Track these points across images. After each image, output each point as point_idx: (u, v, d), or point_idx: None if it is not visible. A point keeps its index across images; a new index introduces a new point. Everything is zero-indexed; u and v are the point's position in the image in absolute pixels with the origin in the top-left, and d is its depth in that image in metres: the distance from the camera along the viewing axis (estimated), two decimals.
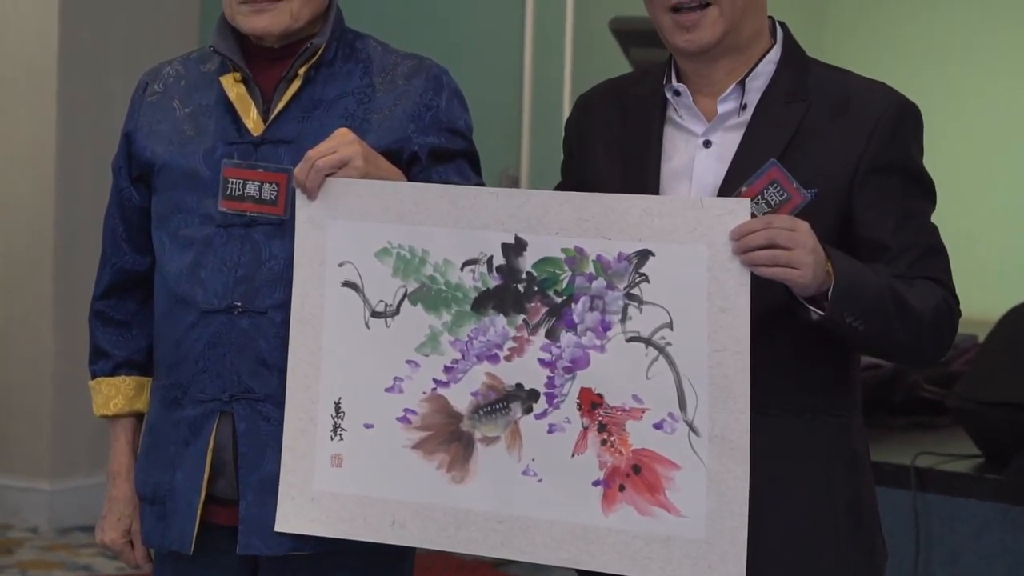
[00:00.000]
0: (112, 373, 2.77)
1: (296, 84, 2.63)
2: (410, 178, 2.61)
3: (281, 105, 2.63)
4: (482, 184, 2.64)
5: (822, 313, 2.32)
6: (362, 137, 2.57)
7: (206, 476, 2.61)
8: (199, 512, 2.61)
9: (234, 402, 2.60)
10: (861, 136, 2.43)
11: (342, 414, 2.52)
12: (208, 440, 2.61)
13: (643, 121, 2.52)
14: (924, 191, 2.48)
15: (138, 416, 2.78)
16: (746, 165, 2.41)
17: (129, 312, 2.77)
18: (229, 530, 2.62)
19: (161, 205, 2.68)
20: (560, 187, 2.64)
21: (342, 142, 2.51)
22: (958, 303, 2.47)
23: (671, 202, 2.39)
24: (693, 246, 2.33)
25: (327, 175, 2.50)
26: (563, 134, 2.67)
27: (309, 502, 2.53)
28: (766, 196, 2.35)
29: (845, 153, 2.42)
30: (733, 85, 2.47)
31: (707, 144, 2.47)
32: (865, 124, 2.43)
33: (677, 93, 2.50)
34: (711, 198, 2.37)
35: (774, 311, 2.37)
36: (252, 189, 2.58)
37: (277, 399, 2.58)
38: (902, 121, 2.45)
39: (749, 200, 2.32)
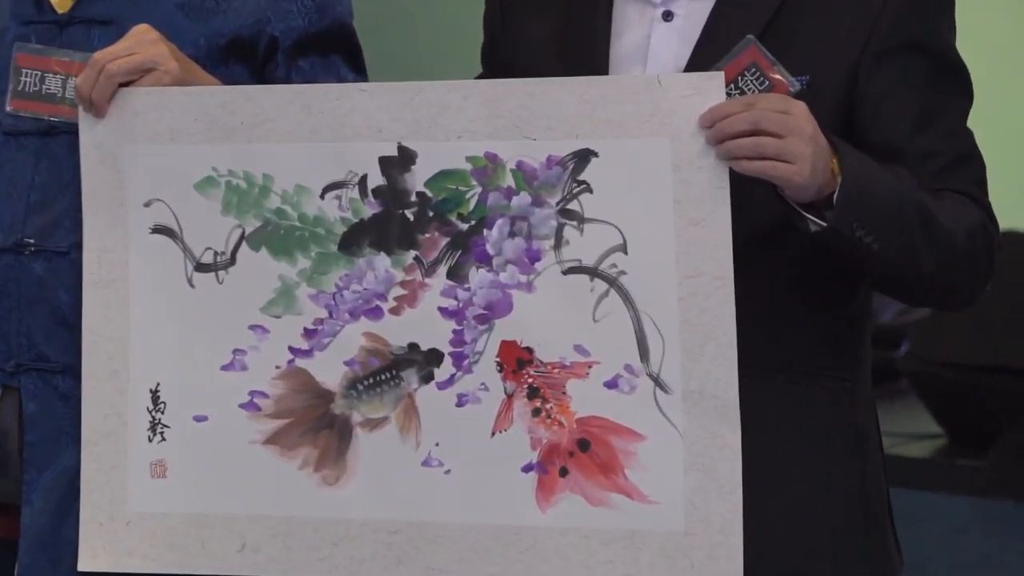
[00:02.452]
0: None
1: None
2: (264, 79, 2.34)
3: None
4: None
5: (823, 224, 2.03)
6: (206, 19, 2.34)
7: None
8: None
9: (21, 374, 2.31)
10: (870, 6, 2.14)
11: (162, 405, 2.25)
12: None
13: None
14: (954, 80, 2.19)
15: None
16: (716, 43, 2.13)
17: None
18: (9, 544, 2.33)
19: None
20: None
21: (142, 41, 2.22)
22: (997, 229, 2.19)
23: (618, 83, 2.13)
24: (651, 140, 2.09)
25: (121, 84, 2.22)
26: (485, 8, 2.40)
27: (124, 528, 2.25)
28: (740, 85, 2.09)
29: (848, 29, 2.14)
30: None
31: (667, 16, 2.20)
32: None
33: None
34: (672, 74, 2.12)
35: (758, 233, 2.11)
36: (53, 84, 2.30)
37: (80, 371, 2.28)
38: None
39: (722, 74, 2.08)
